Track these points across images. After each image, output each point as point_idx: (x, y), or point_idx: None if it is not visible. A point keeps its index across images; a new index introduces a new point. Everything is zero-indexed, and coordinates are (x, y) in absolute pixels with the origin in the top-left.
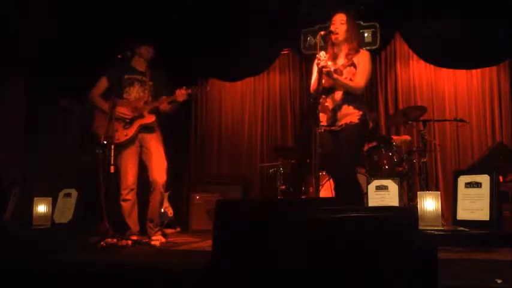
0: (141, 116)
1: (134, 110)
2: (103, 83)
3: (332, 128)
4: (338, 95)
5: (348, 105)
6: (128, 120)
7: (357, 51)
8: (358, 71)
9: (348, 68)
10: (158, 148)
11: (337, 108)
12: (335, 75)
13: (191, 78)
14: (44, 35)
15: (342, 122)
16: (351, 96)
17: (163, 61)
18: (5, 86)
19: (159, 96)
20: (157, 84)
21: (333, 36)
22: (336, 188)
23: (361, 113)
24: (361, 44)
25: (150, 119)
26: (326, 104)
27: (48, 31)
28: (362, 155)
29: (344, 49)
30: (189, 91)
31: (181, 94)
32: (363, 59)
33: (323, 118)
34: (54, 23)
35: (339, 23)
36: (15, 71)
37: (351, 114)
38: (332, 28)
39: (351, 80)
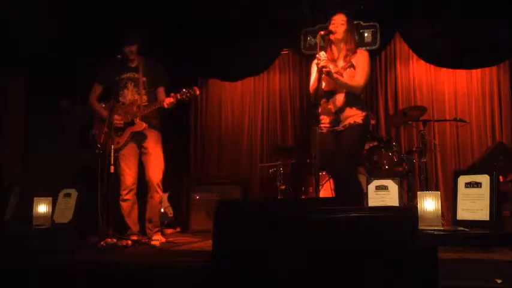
0: (132, 124)
1: (126, 116)
2: (97, 88)
3: (335, 127)
4: (340, 97)
5: (351, 107)
6: (120, 127)
7: (354, 52)
8: (357, 70)
9: (348, 69)
10: (156, 149)
11: (339, 111)
12: (335, 75)
13: (191, 79)
14: (44, 35)
15: (346, 122)
16: (352, 98)
17: (163, 61)
18: (5, 86)
19: (157, 87)
20: (153, 76)
21: (332, 36)
22: (336, 188)
23: (364, 113)
24: (358, 45)
25: (140, 126)
26: (329, 106)
27: (48, 31)
28: (362, 154)
29: (342, 50)
30: (178, 97)
31: (169, 102)
32: (361, 58)
33: (325, 120)
34: (54, 23)
35: (339, 23)
36: (15, 71)
37: (354, 115)
38: (331, 27)
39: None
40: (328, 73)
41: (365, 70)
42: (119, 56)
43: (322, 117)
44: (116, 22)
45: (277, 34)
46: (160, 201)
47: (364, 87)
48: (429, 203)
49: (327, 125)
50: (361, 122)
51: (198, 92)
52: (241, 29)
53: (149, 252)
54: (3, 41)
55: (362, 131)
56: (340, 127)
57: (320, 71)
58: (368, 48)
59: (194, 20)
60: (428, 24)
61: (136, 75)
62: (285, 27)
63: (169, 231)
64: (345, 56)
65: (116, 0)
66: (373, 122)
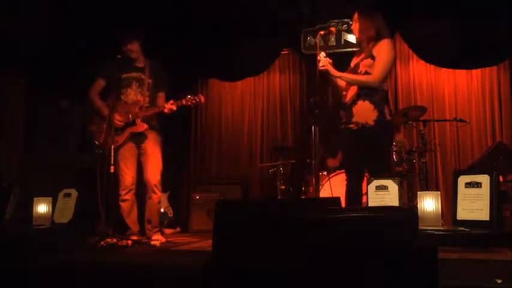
0: (133, 124)
1: (127, 115)
2: (100, 83)
3: (350, 125)
4: (352, 90)
5: (364, 100)
6: (120, 127)
7: (374, 40)
8: (375, 62)
9: (365, 60)
10: (154, 149)
11: (352, 103)
12: (338, 73)
13: (191, 79)
14: (44, 35)
15: (357, 119)
16: (366, 90)
17: (163, 61)
18: (5, 86)
19: (159, 91)
20: (157, 79)
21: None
22: (348, 187)
23: (376, 113)
24: (380, 31)
25: (141, 127)
26: (346, 100)
27: (48, 31)
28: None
29: (365, 42)
30: (183, 102)
31: (168, 108)
32: (381, 49)
33: (343, 115)
34: (54, 23)
35: (354, 23)
36: (15, 71)
37: (366, 112)
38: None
39: (366, 72)
40: (328, 73)
41: (382, 61)
42: (118, 56)
43: (341, 112)
44: (116, 22)
45: (277, 34)
46: (159, 202)
47: (382, 80)
48: (429, 203)
49: (343, 121)
50: (372, 124)
51: (203, 100)
52: (241, 29)
53: (149, 252)
54: (3, 41)
55: (376, 133)
56: (353, 125)
57: (321, 72)
58: (358, 50)
59: (194, 20)
60: (428, 24)
61: (142, 76)
62: (285, 27)
63: (169, 231)
64: (365, 47)
65: (116, 0)
66: (389, 118)
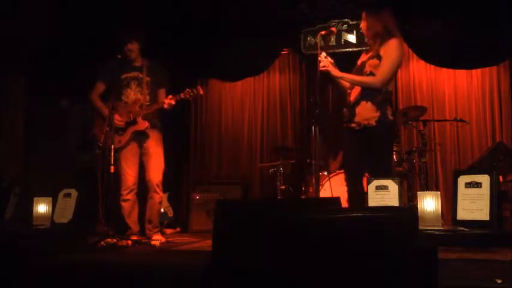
0: (134, 123)
1: (129, 115)
2: (100, 86)
3: (351, 125)
4: (357, 88)
5: (366, 100)
6: (121, 127)
7: (381, 37)
8: (381, 63)
9: (371, 60)
10: (157, 149)
11: (355, 103)
12: (339, 74)
13: (191, 79)
14: (44, 35)
15: (359, 119)
16: (369, 91)
17: (163, 61)
18: (5, 86)
19: (159, 88)
20: (156, 77)
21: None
22: (349, 189)
23: (378, 114)
24: (389, 29)
25: (142, 125)
26: (350, 99)
27: (48, 31)
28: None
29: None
30: (181, 96)
31: (167, 103)
32: (388, 50)
33: (346, 114)
34: (54, 23)
35: (362, 22)
36: (16, 71)
37: (368, 113)
38: None
39: (371, 73)
40: (328, 73)
41: (388, 62)
42: (118, 56)
43: (344, 110)
44: (116, 22)
45: (277, 34)
46: (160, 202)
47: (387, 82)
48: (429, 203)
49: (346, 119)
50: (374, 124)
51: (202, 92)
52: (241, 29)
53: (149, 252)
54: (3, 41)
55: (377, 138)
56: (355, 124)
57: (322, 72)
58: (367, 48)
59: (194, 20)
60: (428, 24)
61: (140, 75)
62: (285, 27)
63: (169, 231)
64: (371, 45)
65: (116, 0)
66: (391, 118)
